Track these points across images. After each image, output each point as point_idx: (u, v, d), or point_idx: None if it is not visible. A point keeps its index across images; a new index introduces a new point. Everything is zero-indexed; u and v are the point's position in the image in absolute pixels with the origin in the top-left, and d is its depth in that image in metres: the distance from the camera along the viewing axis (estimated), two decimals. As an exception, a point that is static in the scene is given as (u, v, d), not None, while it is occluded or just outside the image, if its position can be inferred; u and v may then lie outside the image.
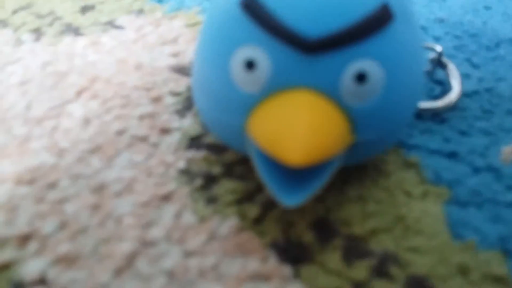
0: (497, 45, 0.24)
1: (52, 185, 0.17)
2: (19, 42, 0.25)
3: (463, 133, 0.19)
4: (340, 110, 0.14)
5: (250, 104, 0.14)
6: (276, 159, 0.14)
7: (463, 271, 0.15)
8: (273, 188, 0.14)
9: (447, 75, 0.21)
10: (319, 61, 0.14)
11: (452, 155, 0.18)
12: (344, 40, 0.13)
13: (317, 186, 0.14)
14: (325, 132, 0.13)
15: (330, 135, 0.13)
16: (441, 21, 0.25)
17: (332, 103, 0.14)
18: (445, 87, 0.21)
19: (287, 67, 0.14)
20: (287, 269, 0.15)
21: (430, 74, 0.21)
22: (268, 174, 0.14)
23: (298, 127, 0.13)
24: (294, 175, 0.14)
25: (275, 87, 0.14)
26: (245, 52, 0.14)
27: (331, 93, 0.14)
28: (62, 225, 0.16)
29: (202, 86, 0.16)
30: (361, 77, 0.14)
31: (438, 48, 0.21)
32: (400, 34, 0.14)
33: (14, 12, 0.27)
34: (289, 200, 0.14)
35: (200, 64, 0.16)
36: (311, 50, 0.13)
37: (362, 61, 0.14)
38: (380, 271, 0.15)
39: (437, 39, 0.24)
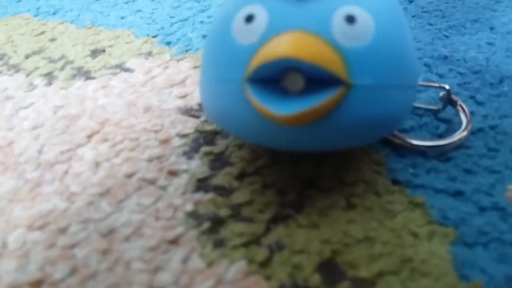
0: (501, 81, 0.24)
1: (63, 230, 0.18)
2: (31, 87, 0.25)
3: (468, 171, 0.19)
4: (332, 46, 0.15)
5: (249, 54, 0.15)
6: (271, 70, 0.15)
7: (472, 313, 0.15)
8: (266, 104, 0.15)
9: (457, 112, 0.21)
10: (311, 6, 0.15)
11: (457, 194, 0.18)
12: None
13: (312, 102, 0.15)
14: (316, 40, 0.15)
15: (320, 43, 0.15)
16: (444, 58, 0.25)
17: (324, 40, 0.15)
18: (450, 125, 0.21)
19: (281, 14, 0.15)
20: (294, 314, 0.15)
21: (438, 112, 0.21)
22: (263, 97, 0.15)
23: (288, 34, 0.15)
24: (292, 98, 0.15)
25: (271, 34, 0.15)
26: (245, 10, 0.16)
27: (324, 33, 0.15)
28: (73, 271, 0.16)
29: (207, 59, 0.17)
30: (350, 19, 0.15)
31: (447, 86, 0.21)
32: None
33: (27, 56, 0.28)
34: (282, 108, 0.15)
35: (207, 45, 0.18)
36: None
37: (350, 7, 0.15)
38: (388, 315, 0.15)
39: (441, 76, 0.24)
